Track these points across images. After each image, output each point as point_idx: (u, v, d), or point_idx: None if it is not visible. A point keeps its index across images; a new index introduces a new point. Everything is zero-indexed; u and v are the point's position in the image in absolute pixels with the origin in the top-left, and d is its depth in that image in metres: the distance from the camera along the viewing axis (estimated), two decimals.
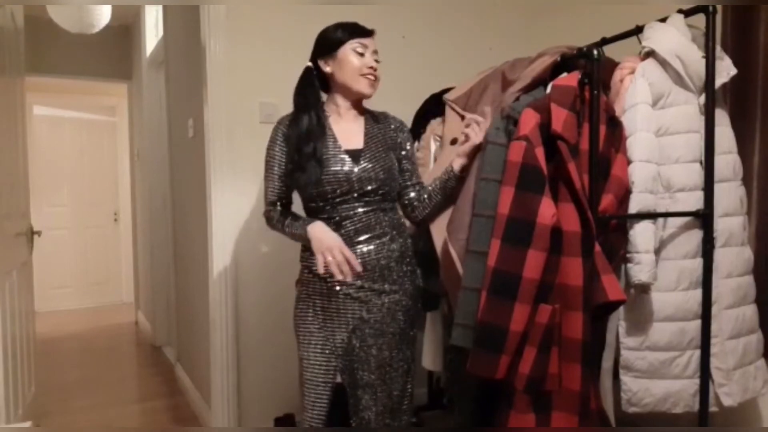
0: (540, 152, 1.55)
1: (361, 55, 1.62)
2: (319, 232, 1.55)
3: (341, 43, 1.62)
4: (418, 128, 2.25)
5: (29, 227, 2.61)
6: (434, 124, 2.19)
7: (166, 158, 3.63)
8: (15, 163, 2.42)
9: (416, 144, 2.31)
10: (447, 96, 2.06)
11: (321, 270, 1.51)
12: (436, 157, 2.11)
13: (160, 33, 3.56)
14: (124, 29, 4.72)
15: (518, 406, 1.58)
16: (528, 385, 1.55)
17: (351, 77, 1.63)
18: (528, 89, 1.75)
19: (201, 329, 2.76)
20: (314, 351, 1.62)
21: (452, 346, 1.68)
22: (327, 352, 1.61)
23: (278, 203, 1.69)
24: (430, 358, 2.22)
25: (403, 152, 1.75)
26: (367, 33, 1.65)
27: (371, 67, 1.63)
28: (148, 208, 4.19)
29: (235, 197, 2.40)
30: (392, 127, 1.75)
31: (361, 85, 1.64)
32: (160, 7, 3.54)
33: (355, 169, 1.61)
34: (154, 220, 4.11)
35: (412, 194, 1.78)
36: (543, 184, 1.54)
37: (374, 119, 1.74)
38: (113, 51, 4.71)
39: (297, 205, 1.73)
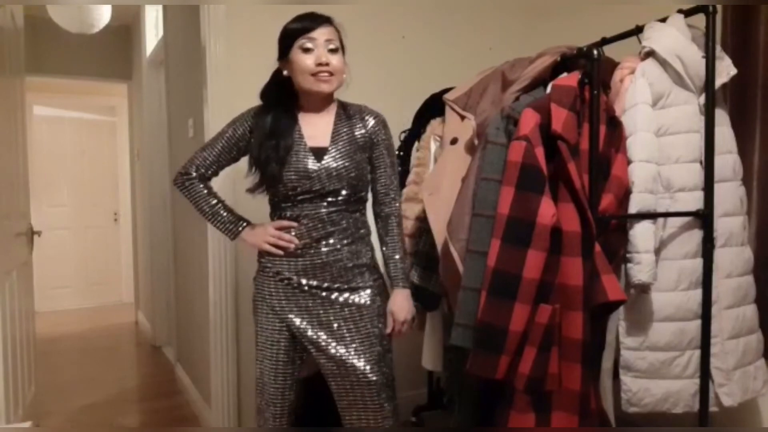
0: (540, 152, 1.55)
1: (309, 50, 1.51)
2: (251, 236, 1.64)
3: (291, 44, 1.54)
4: (418, 128, 2.25)
5: (29, 227, 2.61)
6: (434, 124, 2.19)
7: (166, 158, 3.62)
8: (15, 163, 2.42)
9: (416, 144, 2.31)
10: (447, 96, 2.06)
11: (274, 250, 1.59)
12: (436, 157, 2.11)
13: (160, 33, 3.56)
14: (124, 29, 4.72)
15: (518, 406, 1.58)
16: (528, 385, 1.55)
17: (303, 79, 1.54)
18: (528, 89, 1.75)
19: (201, 329, 2.76)
20: (270, 347, 1.61)
21: (452, 346, 1.68)
22: (283, 349, 1.60)
23: (198, 172, 1.67)
24: (430, 358, 2.22)
25: (376, 152, 1.64)
26: (312, 25, 1.52)
27: (320, 63, 1.50)
28: (148, 208, 4.19)
29: (234, 197, 2.39)
30: (367, 124, 1.64)
31: (315, 85, 1.54)
32: (160, 7, 3.54)
33: (317, 168, 1.56)
34: (154, 220, 4.10)
35: (377, 219, 1.69)
36: (543, 184, 1.54)
37: (347, 115, 1.64)
38: (113, 51, 4.71)
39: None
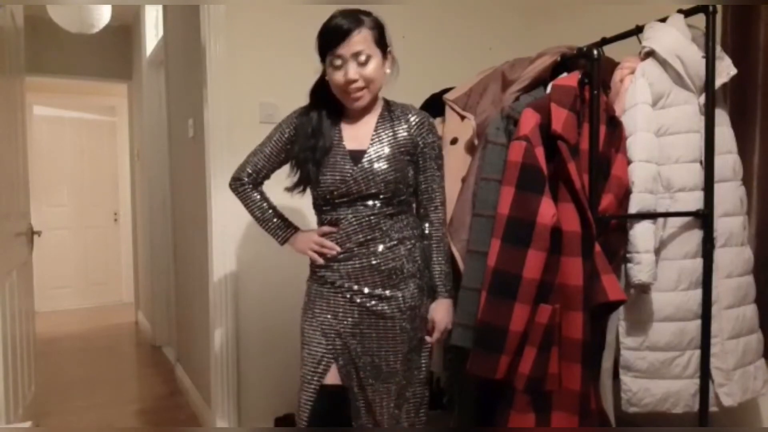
0: (540, 152, 1.55)
1: (339, 68, 1.49)
2: (297, 243, 1.65)
3: (324, 58, 1.53)
4: None
5: (29, 227, 2.61)
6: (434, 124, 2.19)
7: (166, 158, 3.63)
8: (15, 163, 2.42)
9: None
10: (447, 96, 2.06)
11: (317, 257, 1.60)
12: None
13: (160, 33, 3.56)
14: (124, 29, 4.72)
15: (518, 406, 1.58)
16: (528, 385, 1.55)
17: (337, 93, 1.54)
18: (528, 89, 1.75)
19: (201, 329, 2.76)
20: (313, 349, 1.59)
21: (452, 346, 1.68)
22: (326, 351, 1.58)
23: (250, 177, 1.69)
24: None
25: (420, 154, 1.61)
26: (339, 41, 1.47)
27: (349, 81, 1.49)
28: (148, 208, 4.19)
29: (235, 197, 2.39)
30: (411, 124, 1.60)
31: (347, 102, 1.55)
32: (160, 7, 3.54)
33: (354, 170, 1.54)
34: (154, 220, 4.11)
35: (425, 229, 1.65)
36: (543, 184, 1.54)
37: (391, 117, 1.61)
38: (113, 51, 4.71)
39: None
